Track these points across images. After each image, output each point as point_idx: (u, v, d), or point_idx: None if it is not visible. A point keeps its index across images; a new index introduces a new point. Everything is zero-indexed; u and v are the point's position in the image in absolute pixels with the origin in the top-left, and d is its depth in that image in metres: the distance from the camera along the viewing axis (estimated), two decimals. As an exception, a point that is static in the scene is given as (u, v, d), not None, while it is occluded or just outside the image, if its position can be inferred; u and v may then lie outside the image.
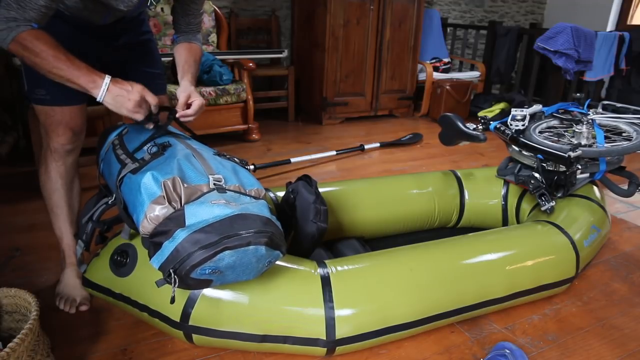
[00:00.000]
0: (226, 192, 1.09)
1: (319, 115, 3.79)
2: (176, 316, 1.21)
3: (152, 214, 1.02)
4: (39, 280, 1.57)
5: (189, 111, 1.32)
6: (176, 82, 3.02)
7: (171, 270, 1.00)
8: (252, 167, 2.54)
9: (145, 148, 1.21)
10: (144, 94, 1.16)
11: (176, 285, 1.02)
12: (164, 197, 1.03)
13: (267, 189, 1.77)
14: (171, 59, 2.91)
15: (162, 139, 1.25)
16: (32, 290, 1.21)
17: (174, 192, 1.04)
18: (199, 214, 1.02)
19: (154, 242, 1.03)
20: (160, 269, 1.02)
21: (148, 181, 1.06)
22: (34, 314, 1.10)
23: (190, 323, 1.20)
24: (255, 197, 1.15)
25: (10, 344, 0.99)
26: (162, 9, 3.21)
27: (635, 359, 1.34)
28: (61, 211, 1.43)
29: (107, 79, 1.12)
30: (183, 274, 1.00)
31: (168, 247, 1.00)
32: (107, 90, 1.11)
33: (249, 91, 3.11)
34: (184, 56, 1.45)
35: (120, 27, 1.38)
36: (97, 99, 1.13)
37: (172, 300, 1.05)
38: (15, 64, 2.58)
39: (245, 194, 1.13)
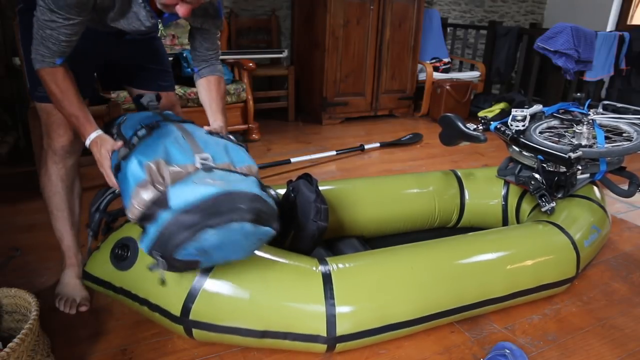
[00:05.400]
0: (213, 171, 1.07)
1: (319, 115, 3.79)
2: (176, 310, 1.21)
3: (138, 198, 1.02)
4: (39, 280, 1.57)
5: None
6: (177, 82, 3.02)
7: (157, 253, 1.00)
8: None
9: (136, 132, 1.20)
10: (104, 171, 1.21)
11: (164, 268, 1.02)
12: (148, 180, 1.02)
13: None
14: (171, 58, 2.93)
15: (152, 120, 1.24)
16: (32, 290, 1.21)
17: (158, 174, 1.03)
18: (183, 195, 1.00)
19: (142, 227, 1.03)
20: (148, 253, 1.02)
21: (134, 166, 1.06)
22: (34, 314, 1.10)
23: (190, 318, 1.20)
24: (245, 174, 1.12)
25: (10, 344, 0.99)
26: (172, 35, 3.22)
27: (635, 359, 1.34)
28: (61, 213, 1.43)
29: (94, 134, 1.21)
30: (168, 256, 1.00)
31: (152, 230, 1.00)
32: (90, 145, 1.21)
33: (249, 91, 3.11)
34: (208, 95, 1.41)
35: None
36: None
37: (162, 283, 1.06)
38: (16, 64, 2.58)
39: (234, 172, 1.11)
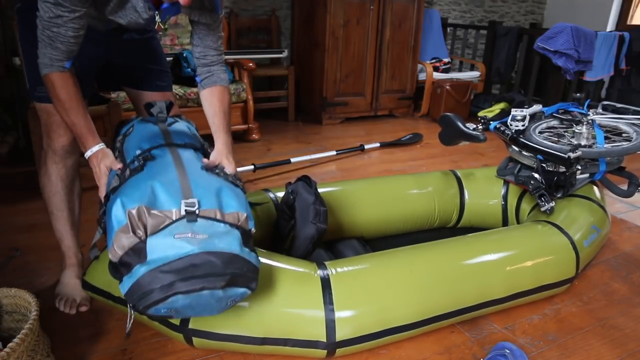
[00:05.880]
0: (197, 221, 1.02)
1: (319, 115, 3.79)
2: (176, 320, 1.21)
3: (118, 242, 1.00)
4: (39, 280, 1.57)
5: None
6: (177, 82, 3.03)
7: (129, 305, 1.00)
8: (252, 167, 2.55)
9: (132, 161, 1.18)
10: (100, 181, 1.20)
11: (132, 320, 1.06)
12: (128, 226, 1.00)
13: (266, 190, 1.77)
14: (171, 59, 2.93)
15: (151, 145, 1.22)
16: (32, 290, 1.21)
17: (138, 221, 1.00)
18: (160, 249, 0.98)
19: (119, 271, 1.03)
20: (125, 297, 1.02)
21: (117, 208, 1.03)
22: (34, 314, 1.10)
23: (190, 326, 1.20)
24: (231, 224, 1.07)
25: (10, 344, 0.99)
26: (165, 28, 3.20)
27: (635, 359, 1.34)
28: (61, 213, 1.43)
29: (96, 147, 1.20)
30: (140, 310, 0.99)
31: (127, 282, 0.99)
32: (89, 158, 1.21)
33: (249, 91, 3.11)
34: (211, 108, 1.35)
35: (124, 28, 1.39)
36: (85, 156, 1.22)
37: (128, 334, 1.08)
38: (16, 64, 2.58)
39: (220, 221, 1.05)
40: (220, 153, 1.28)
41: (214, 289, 0.99)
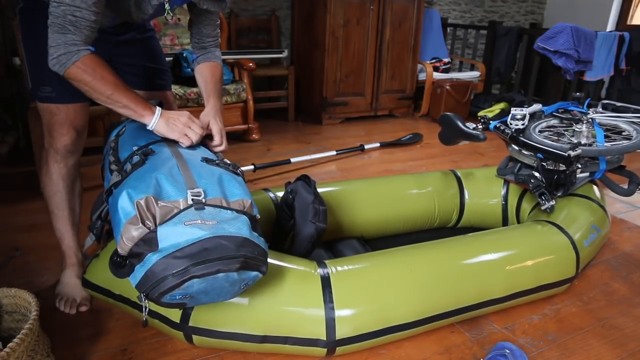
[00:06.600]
0: (204, 209, 1.03)
1: (319, 115, 3.79)
2: (176, 317, 1.21)
3: (128, 234, 0.99)
4: (39, 280, 1.57)
5: (215, 142, 1.37)
6: (177, 82, 3.03)
7: (142, 294, 1.00)
8: (252, 167, 2.55)
9: (130, 156, 1.19)
10: (191, 118, 1.26)
11: (147, 311, 1.07)
12: (137, 217, 1.00)
13: (266, 189, 1.77)
14: (172, 58, 2.93)
15: (147, 142, 1.22)
16: (32, 290, 1.21)
17: (147, 211, 1.00)
18: (171, 236, 0.98)
19: (130, 263, 1.02)
20: (136, 288, 1.03)
21: (123, 200, 1.03)
22: (34, 314, 1.10)
23: (190, 324, 1.20)
24: (238, 211, 1.08)
25: (10, 344, 0.99)
26: (178, 18, 3.21)
27: (635, 359, 1.34)
28: (62, 213, 1.43)
29: (157, 112, 1.22)
30: (154, 298, 0.99)
31: (139, 271, 0.99)
32: (160, 116, 1.21)
33: (249, 91, 3.11)
34: (203, 79, 1.46)
35: (126, 26, 1.40)
36: (149, 127, 1.22)
37: (145, 324, 1.09)
38: (16, 64, 2.58)
39: (226, 208, 1.07)
40: (208, 114, 1.37)
41: (229, 272, 0.99)
